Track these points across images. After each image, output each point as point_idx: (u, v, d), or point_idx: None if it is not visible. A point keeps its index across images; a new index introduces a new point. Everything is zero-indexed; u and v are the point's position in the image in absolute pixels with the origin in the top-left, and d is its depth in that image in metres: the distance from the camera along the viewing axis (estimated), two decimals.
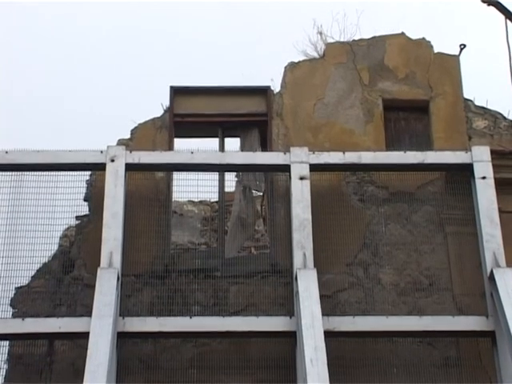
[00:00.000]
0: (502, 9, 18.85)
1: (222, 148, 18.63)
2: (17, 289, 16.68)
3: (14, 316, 16.43)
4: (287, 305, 16.28)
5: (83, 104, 53.16)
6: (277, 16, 45.32)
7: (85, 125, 46.51)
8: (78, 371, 14.72)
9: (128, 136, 18.14)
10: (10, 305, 16.54)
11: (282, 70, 18.83)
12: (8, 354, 16.24)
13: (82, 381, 14.08)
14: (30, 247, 16.80)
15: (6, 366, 16.15)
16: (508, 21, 19.14)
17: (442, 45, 19.17)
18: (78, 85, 57.57)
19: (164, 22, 58.07)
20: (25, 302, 16.67)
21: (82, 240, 17.21)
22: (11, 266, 16.63)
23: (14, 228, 16.91)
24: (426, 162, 17.47)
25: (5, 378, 16.04)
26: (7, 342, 16.31)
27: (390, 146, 18.19)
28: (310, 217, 16.60)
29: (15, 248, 16.72)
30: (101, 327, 15.01)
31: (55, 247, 17.12)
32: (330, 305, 16.18)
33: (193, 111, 18.62)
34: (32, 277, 16.81)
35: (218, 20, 51.39)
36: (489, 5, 18.96)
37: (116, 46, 57.63)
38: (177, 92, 18.60)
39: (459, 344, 16.45)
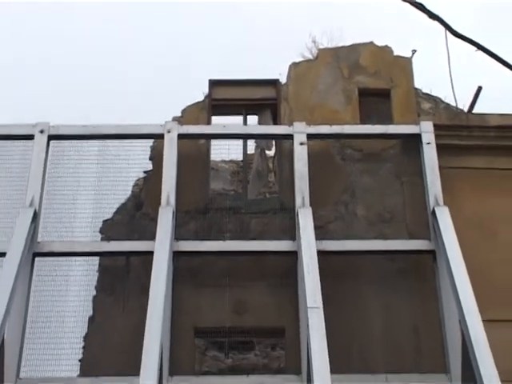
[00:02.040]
0: (422, 8, 18.68)
1: (245, 123, 18.75)
2: (104, 221, 16.77)
3: (102, 239, 16.57)
4: (291, 232, 16.25)
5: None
6: (283, 28, 44.86)
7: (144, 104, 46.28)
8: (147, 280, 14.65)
9: (179, 114, 18.13)
10: (100, 232, 16.68)
11: (287, 67, 18.91)
12: (99, 265, 16.35)
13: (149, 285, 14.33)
14: (112, 193, 16.98)
15: (98, 274, 16.25)
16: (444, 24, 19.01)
17: (400, 49, 19.25)
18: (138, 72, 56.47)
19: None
20: (109, 230, 16.72)
21: (147, 187, 17.22)
22: (100, 206, 16.84)
23: (101, 182, 16.99)
24: (388, 132, 17.47)
25: (97, 281, 16.15)
26: (98, 258, 16.43)
27: (363, 121, 18.14)
28: (307, 170, 16.65)
29: (102, 193, 16.86)
30: (162, 247, 15.11)
31: (129, 193, 17.24)
32: (322, 232, 16.09)
33: (225, 97, 18.60)
34: (114, 213, 16.90)
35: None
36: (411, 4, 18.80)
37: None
38: (213, 83, 18.59)
39: (411, 260, 16.44)
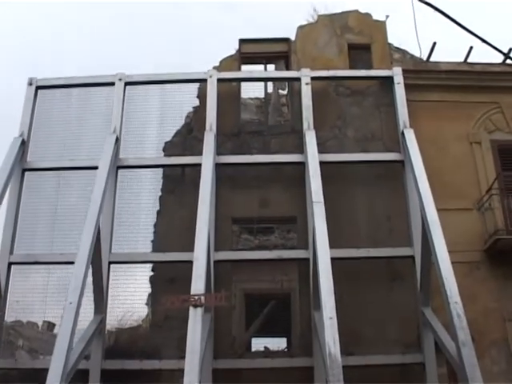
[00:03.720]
0: None
1: (265, 69, 18.69)
2: (165, 143, 16.97)
3: (164, 155, 16.81)
4: (300, 148, 16.46)
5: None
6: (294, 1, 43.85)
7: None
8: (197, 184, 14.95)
9: (217, 64, 18.08)
10: (162, 150, 16.90)
11: (295, 29, 18.75)
12: (163, 174, 16.64)
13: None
14: (171, 122, 17.21)
15: (162, 181, 16.57)
16: None
17: (378, 13, 19.12)
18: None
19: None
20: (169, 149, 16.92)
21: (196, 118, 17.24)
22: (162, 131, 17.13)
23: (163, 114, 17.27)
24: (369, 75, 17.64)
25: (162, 186, 16.46)
26: (162, 169, 16.72)
27: (351, 67, 18.13)
28: (311, 103, 16.79)
29: (164, 123, 17.15)
30: (207, 160, 15.40)
31: (183, 122, 17.32)
32: (322, 148, 16.16)
33: (250, 51, 18.51)
34: (172, 137, 17.08)
35: None
36: None
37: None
38: (242, 41, 18.48)
39: (386, 168, 16.66)
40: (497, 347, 15.18)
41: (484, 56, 18.87)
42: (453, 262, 13.19)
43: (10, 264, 15.63)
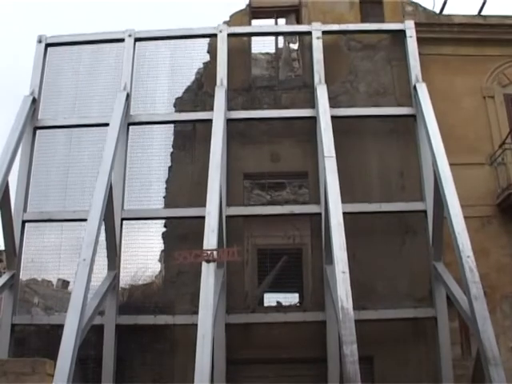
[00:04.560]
0: None
1: (276, 23, 18.41)
2: (176, 98, 16.82)
3: (175, 111, 16.70)
4: (312, 103, 16.26)
5: None
6: None
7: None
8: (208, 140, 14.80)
9: (228, 19, 17.84)
10: (173, 106, 16.76)
11: None
12: (174, 130, 16.53)
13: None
14: (181, 78, 16.99)
15: (173, 137, 16.48)
16: None
17: None
18: None
19: None
20: (180, 105, 16.78)
21: (206, 73, 17.05)
22: (173, 87, 16.95)
23: (174, 70, 17.08)
24: (381, 28, 17.42)
25: (173, 142, 16.41)
26: (173, 125, 16.62)
27: (363, 21, 17.85)
28: (322, 57, 16.55)
29: (175, 78, 16.97)
30: (218, 116, 15.24)
31: (194, 77, 17.12)
32: (333, 102, 16.02)
33: (261, 5, 18.26)
34: (183, 93, 16.91)
35: None
36: None
37: None
38: None
39: (399, 122, 16.49)
40: (508, 301, 15.18)
41: (498, 9, 18.55)
42: (465, 217, 13.08)
43: (23, 222, 15.70)
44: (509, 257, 15.44)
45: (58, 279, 18.26)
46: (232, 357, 14.31)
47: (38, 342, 15.00)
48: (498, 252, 15.41)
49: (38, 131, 16.63)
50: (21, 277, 15.62)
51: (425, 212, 15.31)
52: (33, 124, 16.48)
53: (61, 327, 11.81)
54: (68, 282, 17.02)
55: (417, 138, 16.01)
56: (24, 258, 15.59)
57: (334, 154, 14.09)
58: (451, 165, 13.99)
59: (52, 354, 10.72)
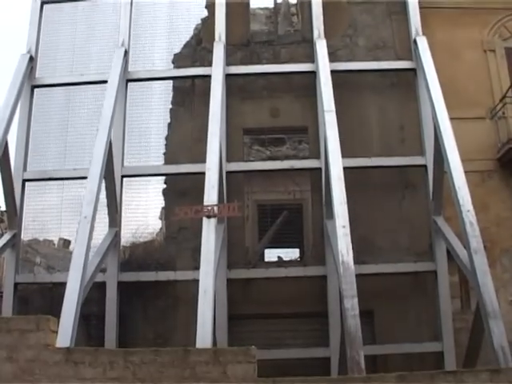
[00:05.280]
0: None
1: None
2: (174, 54, 16.59)
3: (174, 68, 16.48)
4: (311, 58, 16.04)
5: None
6: None
7: None
8: (207, 95, 14.60)
9: None
10: (172, 62, 16.54)
11: None
12: (173, 87, 16.33)
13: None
14: (180, 34, 16.71)
15: (172, 93, 16.30)
16: None
17: None
18: None
19: None
20: (179, 60, 16.53)
21: (205, 29, 16.77)
22: (171, 43, 16.66)
23: (172, 25, 16.82)
24: None
25: (172, 98, 16.21)
26: (171, 81, 16.43)
27: None
28: (321, 11, 16.34)
29: (173, 34, 16.70)
30: (217, 71, 15.03)
31: (192, 33, 16.87)
32: (333, 57, 15.79)
33: None
34: (181, 48, 16.68)
35: None
36: None
37: None
38: None
39: (399, 76, 16.31)
40: (508, 255, 15.22)
41: None
42: (465, 171, 13.00)
43: (24, 181, 15.68)
44: (509, 211, 15.40)
45: (60, 239, 18.23)
46: (233, 312, 14.37)
47: (41, 300, 15.01)
48: (498, 206, 15.36)
49: (35, 90, 16.48)
50: (22, 237, 15.62)
51: (425, 166, 15.22)
52: (30, 82, 16.29)
53: (63, 285, 11.79)
54: (69, 242, 16.99)
55: (417, 92, 15.83)
56: (25, 217, 15.59)
57: (333, 109, 13.95)
58: (451, 119, 13.86)
59: (55, 311, 10.70)
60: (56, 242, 19.46)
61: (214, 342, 11.40)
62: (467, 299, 14.92)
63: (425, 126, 15.44)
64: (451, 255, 13.88)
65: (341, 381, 9.34)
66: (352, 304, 11.09)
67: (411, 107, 15.92)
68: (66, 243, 18.17)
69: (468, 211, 12.45)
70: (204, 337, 10.54)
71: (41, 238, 17.57)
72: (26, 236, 15.88)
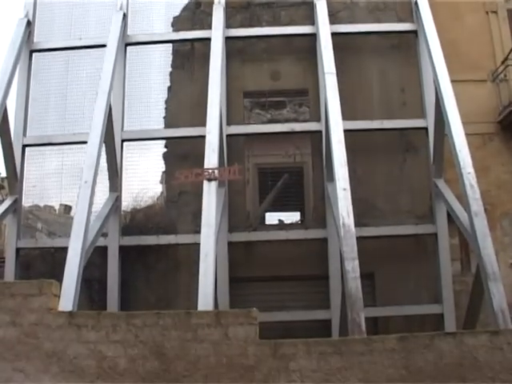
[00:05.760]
0: None
1: None
2: (174, 18, 16.40)
3: (174, 30, 16.31)
4: (311, 20, 15.82)
5: None
6: None
7: None
8: (207, 59, 14.42)
9: None
10: (171, 25, 16.35)
11: None
12: (172, 50, 16.19)
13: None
14: None
15: (172, 57, 16.12)
16: None
17: None
18: None
19: None
20: (179, 24, 16.36)
21: None
22: (171, 6, 16.50)
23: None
24: None
25: (172, 62, 16.07)
26: (171, 45, 16.25)
27: None
28: None
29: None
30: (217, 34, 14.84)
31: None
32: (333, 19, 15.63)
33: None
34: (181, 11, 16.48)
35: None
36: None
37: None
38: None
39: (400, 38, 16.11)
40: (508, 218, 15.25)
41: None
42: (466, 134, 12.87)
43: (24, 146, 15.60)
44: (509, 174, 15.41)
45: (60, 204, 18.26)
46: (234, 275, 14.40)
47: (43, 265, 15.01)
48: (499, 169, 15.35)
49: (34, 54, 16.31)
50: (23, 203, 15.59)
51: (426, 129, 15.12)
52: (29, 47, 16.13)
53: (65, 250, 11.77)
54: (70, 207, 16.96)
55: (418, 55, 15.67)
56: (26, 183, 15.55)
57: (334, 71, 13.81)
58: (453, 81, 13.69)
59: (57, 276, 10.68)
60: (57, 208, 19.49)
61: (216, 305, 11.40)
62: (467, 262, 14.95)
63: (426, 88, 15.28)
64: (452, 218, 13.83)
65: (342, 342, 9.34)
66: (353, 266, 11.08)
67: (412, 69, 15.75)
68: (66, 209, 18.17)
69: (468, 173, 12.37)
70: (206, 299, 10.56)
71: (42, 204, 17.59)
72: (26, 202, 15.87)
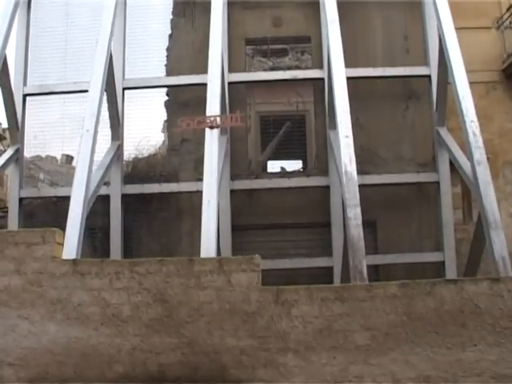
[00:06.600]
0: None
1: None
2: None
3: None
4: None
5: None
6: None
7: None
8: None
9: None
10: None
11: None
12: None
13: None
14: None
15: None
16: None
17: None
18: None
19: None
20: None
21: None
22: None
23: None
24: None
25: (172, 8, 15.83)
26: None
27: None
28: None
29: None
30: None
31: None
32: None
33: None
34: None
35: None
36: None
37: None
38: None
39: None
40: (511, 167, 15.18)
41: None
42: (469, 82, 12.66)
43: (24, 96, 15.48)
44: None
45: (62, 155, 18.20)
46: (237, 223, 14.40)
47: (45, 214, 15.03)
48: (502, 118, 15.22)
49: (32, 1, 16.03)
50: (25, 154, 15.54)
51: (429, 77, 14.93)
52: None
53: (67, 199, 11.69)
54: (72, 157, 16.95)
55: (422, 1, 15.30)
56: (27, 134, 15.45)
57: (337, 18, 13.48)
58: (457, 29, 13.41)
59: (60, 225, 10.66)
60: (59, 159, 19.43)
61: (218, 252, 11.39)
62: (469, 210, 14.93)
63: (429, 35, 15.05)
64: (454, 166, 13.76)
65: (343, 289, 9.38)
66: (355, 213, 11.03)
67: (416, 17, 15.47)
68: (68, 159, 18.14)
69: (472, 122, 12.20)
70: (208, 247, 10.54)
71: (43, 155, 17.53)
72: (28, 153, 15.83)
